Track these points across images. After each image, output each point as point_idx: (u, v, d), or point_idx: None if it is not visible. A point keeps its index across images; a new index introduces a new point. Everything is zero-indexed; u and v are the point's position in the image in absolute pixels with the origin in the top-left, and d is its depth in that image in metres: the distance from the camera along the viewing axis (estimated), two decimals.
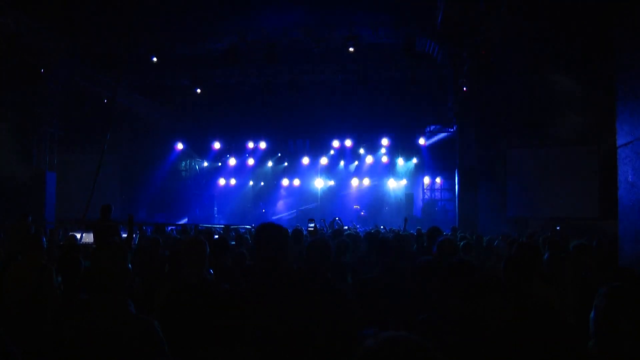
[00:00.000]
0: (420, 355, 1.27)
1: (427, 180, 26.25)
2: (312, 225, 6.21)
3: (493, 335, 2.71)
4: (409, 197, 25.74)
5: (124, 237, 9.77)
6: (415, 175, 26.10)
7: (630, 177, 5.44)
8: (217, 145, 27.47)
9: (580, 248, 5.32)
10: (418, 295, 4.20)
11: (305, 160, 27.87)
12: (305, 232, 8.23)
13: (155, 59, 18.32)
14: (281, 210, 28.62)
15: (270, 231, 3.62)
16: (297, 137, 27.44)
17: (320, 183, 27.96)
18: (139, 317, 2.97)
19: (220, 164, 29.50)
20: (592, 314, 2.55)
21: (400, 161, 25.49)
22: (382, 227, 13.70)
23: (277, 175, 29.41)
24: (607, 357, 2.39)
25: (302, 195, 28.44)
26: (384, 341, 1.30)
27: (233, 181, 29.30)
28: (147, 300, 4.65)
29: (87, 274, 4.75)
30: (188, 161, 29.25)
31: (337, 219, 15.98)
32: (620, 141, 5.68)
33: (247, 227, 17.74)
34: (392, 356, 1.26)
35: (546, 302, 3.92)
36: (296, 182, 28.56)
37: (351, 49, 17.61)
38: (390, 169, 26.54)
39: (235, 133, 26.88)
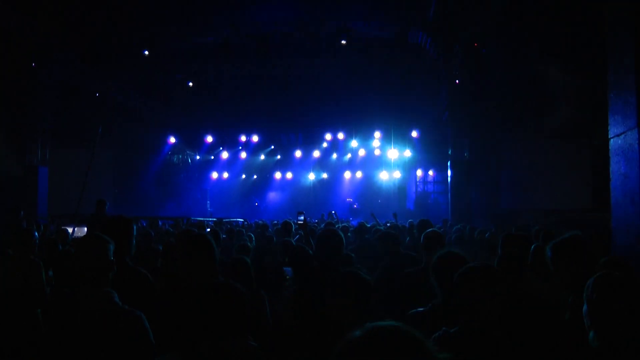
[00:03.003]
0: (409, 345, 1.19)
1: (419, 172, 26.17)
2: (302, 218, 6.13)
3: (486, 328, 2.70)
4: (402, 189, 25.71)
5: None
6: (407, 168, 26.03)
7: (622, 168, 5.44)
8: (209, 138, 27.37)
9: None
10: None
11: (298, 153, 27.85)
12: (294, 226, 8.19)
13: (147, 53, 18.19)
14: (274, 203, 28.55)
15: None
16: (290, 131, 27.38)
17: (312, 176, 27.94)
18: (124, 309, 2.95)
19: (212, 157, 29.39)
20: (584, 307, 2.54)
21: (392, 154, 25.37)
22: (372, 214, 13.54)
23: (270, 168, 29.36)
24: (609, 347, 2.38)
25: (294, 188, 28.41)
26: (371, 331, 1.22)
27: (226, 174, 29.19)
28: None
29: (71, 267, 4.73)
30: (181, 155, 29.13)
31: (333, 212, 16.13)
32: (612, 132, 5.67)
33: (240, 220, 17.77)
34: (379, 346, 1.18)
35: (539, 294, 3.93)
36: (289, 175, 28.52)
37: (343, 42, 17.56)
38: (382, 162, 26.48)
39: (228, 126, 26.76)
